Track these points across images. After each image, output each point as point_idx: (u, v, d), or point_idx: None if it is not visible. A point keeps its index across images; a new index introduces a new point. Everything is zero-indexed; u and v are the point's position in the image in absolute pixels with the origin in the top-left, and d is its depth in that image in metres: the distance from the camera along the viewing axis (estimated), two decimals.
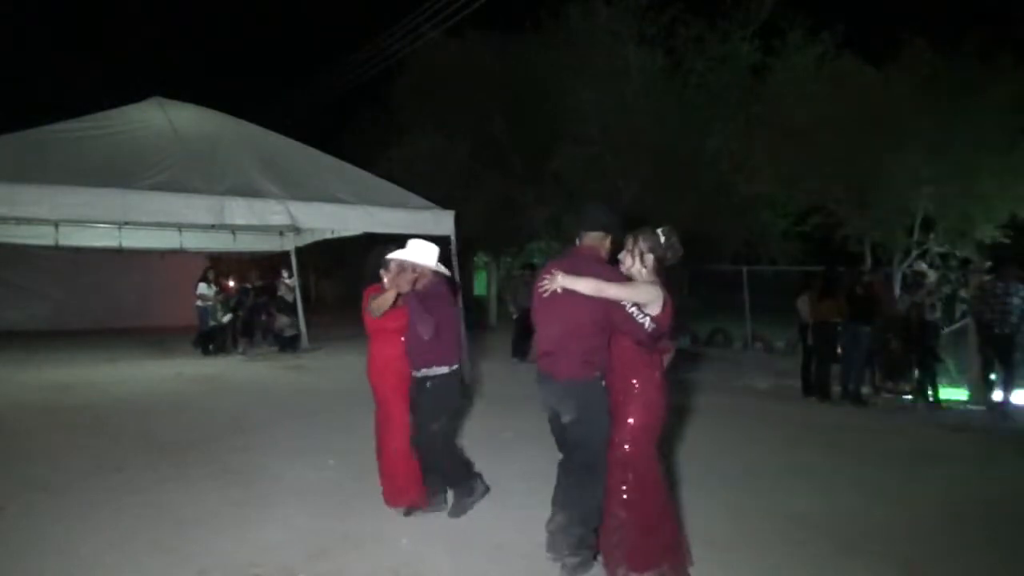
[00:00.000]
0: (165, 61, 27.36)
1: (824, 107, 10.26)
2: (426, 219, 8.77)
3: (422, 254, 3.91)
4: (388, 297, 3.84)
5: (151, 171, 7.44)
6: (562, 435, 3.25)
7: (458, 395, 4.16)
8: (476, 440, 5.64)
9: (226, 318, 11.96)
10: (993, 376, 7.57)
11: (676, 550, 3.17)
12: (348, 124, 18.71)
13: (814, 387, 7.99)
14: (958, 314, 9.35)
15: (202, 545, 3.57)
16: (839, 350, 7.92)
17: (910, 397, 7.79)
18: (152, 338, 13.02)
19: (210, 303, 11.60)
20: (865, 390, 7.93)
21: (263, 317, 12.73)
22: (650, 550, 3.06)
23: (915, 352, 7.74)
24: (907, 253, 10.24)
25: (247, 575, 3.28)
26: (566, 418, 3.18)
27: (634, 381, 3.09)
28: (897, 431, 6.63)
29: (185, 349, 11.70)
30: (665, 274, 3.23)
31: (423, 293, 3.85)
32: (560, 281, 3.11)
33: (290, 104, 21.27)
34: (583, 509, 3.17)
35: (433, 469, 4.01)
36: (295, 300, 12.37)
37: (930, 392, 7.76)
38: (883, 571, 3.43)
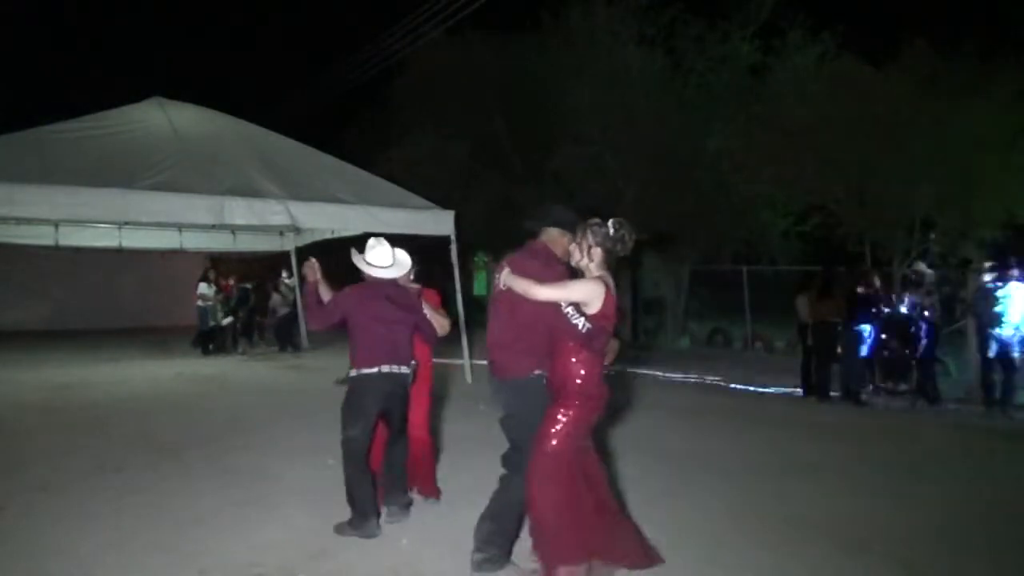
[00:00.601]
0: (165, 61, 27.37)
1: (824, 107, 10.27)
2: (426, 219, 8.77)
3: (380, 259, 3.90)
4: None
5: (151, 171, 7.43)
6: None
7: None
8: (478, 440, 5.63)
9: (226, 321, 11.97)
10: (994, 376, 7.56)
11: (612, 547, 3.10)
12: (348, 124, 18.69)
13: (814, 387, 7.98)
14: (958, 313, 9.35)
15: (202, 545, 3.57)
16: (839, 350, 7.92)
17: (910, 397, 7.78)
18: (152, 338, 13.02)
19: (210, 303, 11.61)
20: (865, 391, 7.91)
21: (258, 318, 12.77)
22: (575, 544, 2.98)
23: (917, 352, 7.73)
24: (907, 253, 10.24)
25: (247, 575, 3.28)
26: (501, 414, 3.21)
27: (570, 378, 3.03)
28: (897, 431, 6.63)
29: (185, 349, 11.71)
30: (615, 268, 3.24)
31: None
32: (504, 279, 3.12)
33: (290, 104, 21.26)
34: (497, 506, 3.16)
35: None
36: (295, 300, 12.38)
37: (930, 392, 7.76)
38: (883, 571, 3.43)
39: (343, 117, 20.28)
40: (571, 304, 2.99)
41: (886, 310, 7.96)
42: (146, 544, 3.58)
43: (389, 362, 3.76)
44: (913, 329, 7.76)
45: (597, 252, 3.10)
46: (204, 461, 5.13)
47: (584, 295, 2.98)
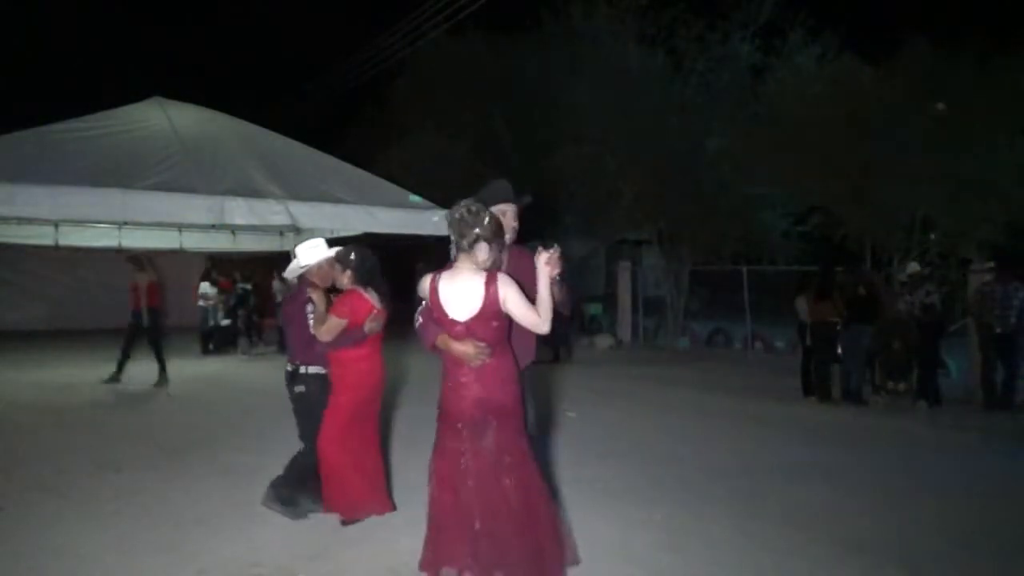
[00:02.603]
0: (165, 61, 27.33)
1: (824, 107, 10.27)
2: (426, 219, 8.76)
3: (309, 253, 4.01)
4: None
5: (151, 171, 7.42)
6: None
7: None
8: None
9: (225, 322, 11.97)
10: (994, 376, 7.56)
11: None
12: (348, 124, 18.69)
13: (814, 387, 7.98)
14: (957, 313, 9.35)
15: (202, 545, 3.57)
16: (839, 350, 7.92)
17: (910, 397, 7.78)
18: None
19: (212, 302, 11.60)
20: (865, 391, 7.91)
21: (255, 318, 12.75)
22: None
23: (917, 352, 7.73)
24: (907, 253, 10.24)
25: (247, 575, 3.28)
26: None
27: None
28: (897, 431, 6.63)
29: (185, 349, 11.69)
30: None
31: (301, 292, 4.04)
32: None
33: (290, 104, 21.26)
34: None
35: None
36: None
37: (931, 392, 7.76)
38: (883, 571, 3.43)
39: (343, 117, 20.28)
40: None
41: (886, 310, 7.95)
42: (146, 544, 3.58)
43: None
44: (913, 329, 7.76)
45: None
46: (204, 461, 5.13)
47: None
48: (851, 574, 3.42)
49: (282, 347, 12.09)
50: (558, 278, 2.89)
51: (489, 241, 2.86)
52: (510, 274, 2.96)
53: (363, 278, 3.92)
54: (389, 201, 8.75)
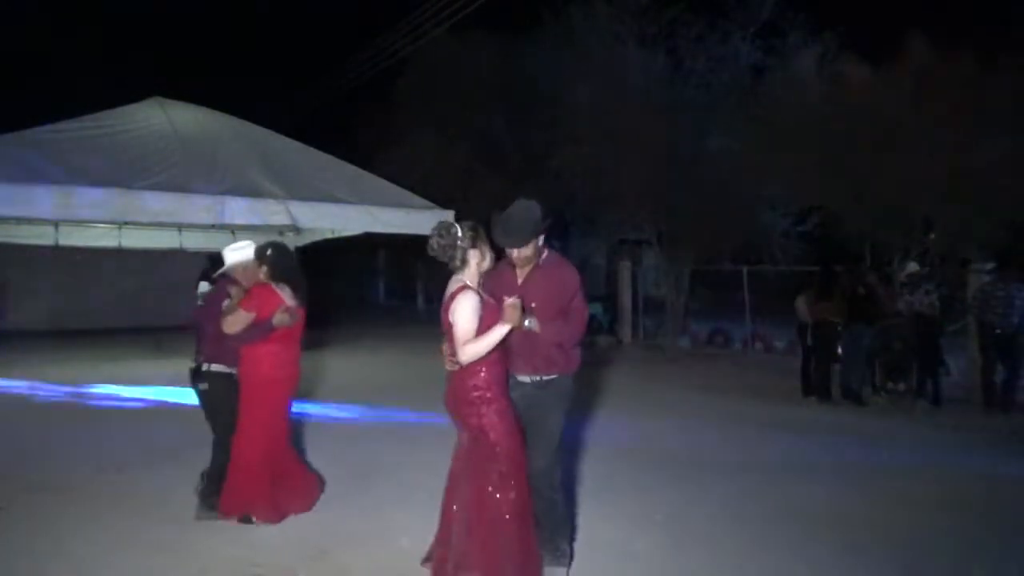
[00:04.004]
0: (165, 61, 27.34)
1: (824, 107, 10.27)
2: (426, 219, 8.75)
3: (234, 255, 4.03)
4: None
5: (151, 171, 7.43)
6: None
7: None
8: None
9: None
10: (994, 376, 7.56)
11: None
12: (348, 124, 18.69)
13: (814, 387, 7.98)
14: (958, 313, 9.35)
15: (202, 545, 3.57)
16: (839, 350, 7.92)
17: (910, 397, 7.78)
18: (151, 338, 13.01)
19: None
20: (865, 391, 7.92)
21: None
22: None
23: (918, 352, 7.73)
24: (907, 253, 10.24)
25: (247, 575, 3.28)
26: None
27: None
28: (898, 431, 6.63)
29: (185, 349, 11.67)
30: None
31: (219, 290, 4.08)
32: None
33: (290, 104, 21.27)
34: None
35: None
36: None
37: (932, 393, 7.76)
38: (883, 571, 3.43)
39: (343, 117, 20.28)
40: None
41: (886, 310, 7.95)
42: (146, 544, 3.58)
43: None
44: (913, 329, 7.76)
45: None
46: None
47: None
48: (851, 574, 3.42)
49: None
50: (527, 324, 2.91)
51: (474, 247, 2.92)
52: (535, 286, 3.08)
53: (277, 273, 3.94)
54: (389, 201, 8.76)
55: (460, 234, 2.91)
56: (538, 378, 3.15)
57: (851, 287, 7.87)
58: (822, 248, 12.51)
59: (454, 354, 2.88)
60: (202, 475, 4.06)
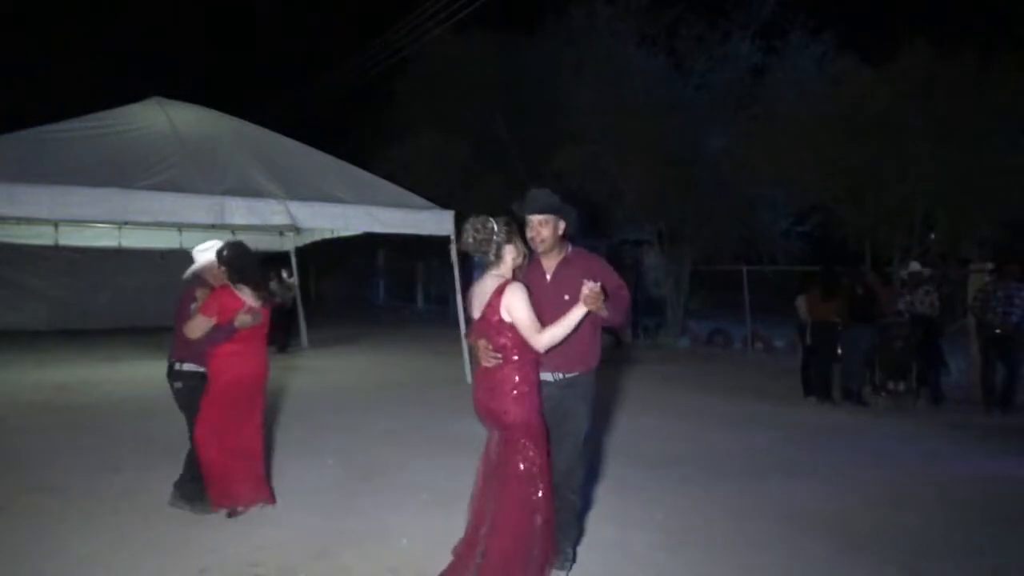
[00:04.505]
0: (165, 61, 27.33)
1: (824, 107, 10.28)
2: (426, 219, 8.77)
3: (201, 255, 4.11)
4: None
5: (151, 171, 7.42)
6: None
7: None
8: (478, 441, 5.63)
9: None
10: (994, 376, 7.56)
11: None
12: (349, 124, 18.70)
13: (814, 387, 7.98)
14: (958, 313, 9.35)
15: (202, 545, 3.57)
16: (839, 350, 7.92)
17: (911, 397, 7.78)
18: (152, 338, 13.02)
19: None
20: (865, 391, 7.92)
21: None
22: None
23: (918, 352, 7.73)
24: (907, 253, 10.25)
25: (247, 575, 3.28)
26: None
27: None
28: (897, 431, 6.63)
29: None
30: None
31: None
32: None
33: (290, 104, 21.26)
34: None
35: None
36: (295, 300, 12.38)
37: (934, 392, 7.76)
38: (883, 571, 3.43)
39: (344, 117, 20.29)
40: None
41: (886, 310, 7.95)
42: (146, 544, 3.58)
43: None
44: (914, 329, 7.76)
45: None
46: None
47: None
48: (851, 574, 3.42)
49: (282, 347, 12.11)
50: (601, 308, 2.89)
51: (510, 242, 2.96)
52: (566, 279, 3.10)
53: (235, 274, 3.95)
54: (389, 201, 8.76)
55: (496, 229, 2.94)
56: (561, 376, 3.15)
57: (851, 287, 7.88)
58: (822, 248, 12.53)
59: (497, 348, 2.90)
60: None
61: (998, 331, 7.41)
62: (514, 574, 2.84)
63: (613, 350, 12.85)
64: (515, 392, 2.90)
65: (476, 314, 2.99)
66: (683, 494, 4.51)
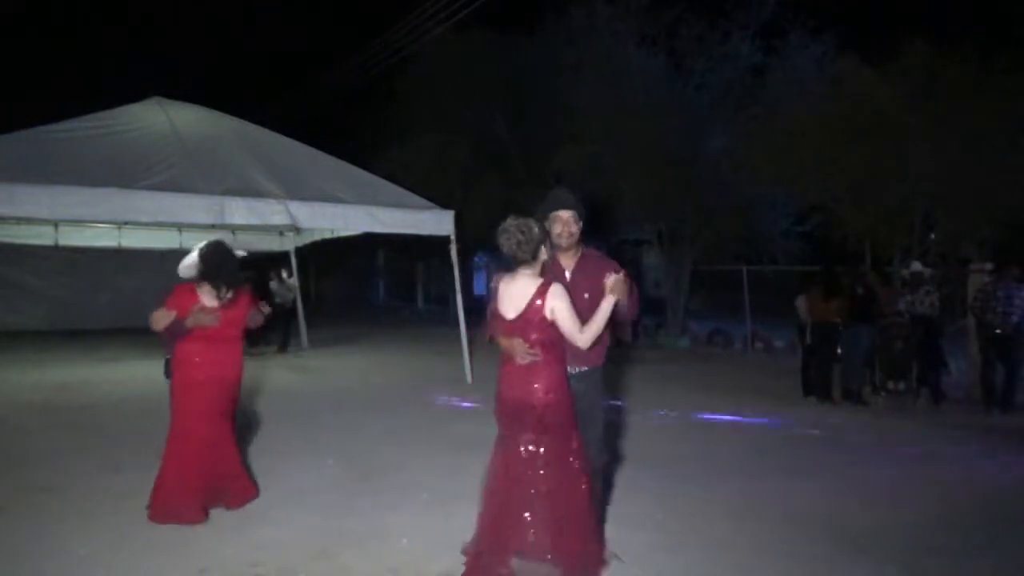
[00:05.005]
0: (165, 61, 27.34)
1: (824, 107, 10.27)
2: (426, 219, 8.77)
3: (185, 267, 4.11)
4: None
5: (151, 171, 7.42)
6: None
7: None
8: (479, 441, 5.63)
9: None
10: (994, 376, 7.56)
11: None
12: (349, 124, 18.70)
13: (814, 387, 7.98)
14: (957, 313, 9.35)
15: (202, 545, 3.57)
16: (839, 350, 7.92)
17: (911, 397, 7.78)
18: (152, 338, 13.02)
19: None
20: (865, 391, 7.92)
21: None
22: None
23: (919, 352, 7.73)
24: (907, 253, 10.25)
25: (247, 575, 3.28)
26: None
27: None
28: (897, 431, 6.63)
29: None
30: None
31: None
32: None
33: (290, 104, 21.26)
34: None
35: None
36: (295, 301, 12.38)
37: (934, 392, 7.76)
38: (883, 571, 3.43)
39: (344, 117, 20.28)
40: None
41: (886, 310, 7.95)
42: (146, 544, 3.58)
43: None
44: (914, 329, 7.76)
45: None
46: None
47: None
48: (851, 574, 3.42)
49: (281, 347, 12.12)
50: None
51: (543, 241, 3.09)
52: (583, 278, 3.28)
53: (205, 272, 3.97)
54: (389, 201, 8.76)
55: (537, 231, 3.06)
56: (577, 370, 3.28)
57: (851, 287, 7.88)
58: (822, 248, 12.53)
59: (534, 345, 3.01)
60: None
61: (998, 331, 7.41)
62: (592, 568, 3.05)
63: (612, 349, 12.84)
64: (556, 386, 3.04)
65: (511, 314, 3.06)
66: (683, 494, 4.51)
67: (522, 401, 3.05)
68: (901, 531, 3.95)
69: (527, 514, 2.99)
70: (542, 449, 3.01)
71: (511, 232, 3.03)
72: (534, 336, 3.02)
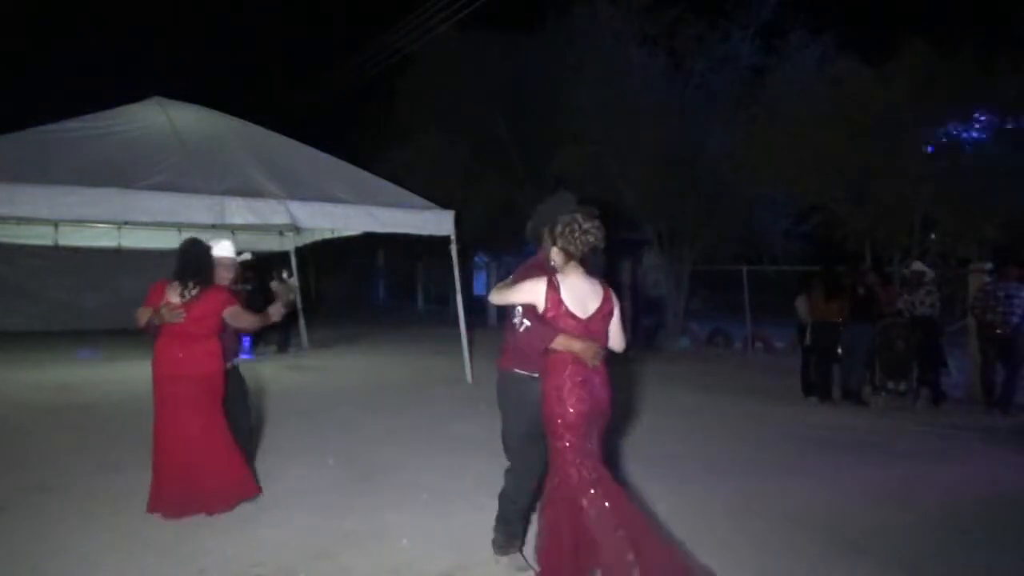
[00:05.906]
0: (165, 61, 27.35)
1: (824, 107, 10.27)
2: (426, 219, 8.77)
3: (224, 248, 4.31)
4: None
5: (151, 171, 7.42)
6: None
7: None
8: (480, 441, 5.64)
9: None
10: (994, 376, 7.56)
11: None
12: (349, 124, 18.69)
13: (814, 387, 7.98)
14: (958, 313, 9.36)
15: (202, 545, 3.57)
16: (839, 350, 7.92)
17: (911, 397, 7.78)
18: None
19: None
20: (865, 391, 7.92)
21: None
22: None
23: (919, 352, 7.73)
24: (907, 253, 10.25)
25: (247, 575, 3.28)
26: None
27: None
28: (897, 431, 6.63)
29: None
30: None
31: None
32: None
33: (291, 104, 21.26)
34: None
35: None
36: (295, 301, 12.35)
37: (934, 392, 7.76)
38: (883, 571, 3.43)
39: (344, 117, 20.28)
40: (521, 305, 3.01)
41: (886, 310, 7.95)
42: (146, 544, 3.58)
43: None
44: (914, 329, 7.76)
45: (553, 250, 3.07)
46: None
47: (523, 296, 2.99)
48: (851, 574, 3.42)
49: (281, 347, 12.12)
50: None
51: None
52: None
53: (178, 269, 4.05)
54: (389, 201, 8.76)
55: (597, 228, 3.13)
56: (535, 374, 3.26)
57: (852, 287, 7.88)
58: (822, 248, 12.52)
59: (599, 342, 3.02)
60: None
61: (998, 331, 7.41)
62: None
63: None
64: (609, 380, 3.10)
65: (582, 313, 2.96)
66: (683, 494, 4.51)
67: (606, 401, 3.04)
68: (901, 531, 3.96)
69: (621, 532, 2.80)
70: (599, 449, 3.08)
71: (593, 232, 3.02)
72: (606, 332, 3.01)
